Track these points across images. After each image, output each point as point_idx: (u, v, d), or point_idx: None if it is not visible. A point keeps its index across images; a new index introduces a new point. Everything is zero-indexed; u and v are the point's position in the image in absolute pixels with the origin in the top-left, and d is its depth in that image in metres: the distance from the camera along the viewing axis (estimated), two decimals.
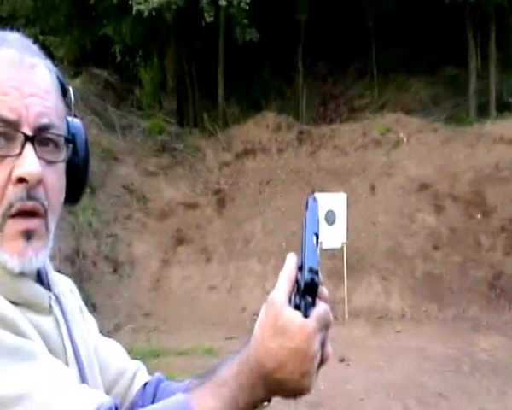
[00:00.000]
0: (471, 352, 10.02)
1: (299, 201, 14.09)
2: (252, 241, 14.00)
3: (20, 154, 1.10)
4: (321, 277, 1.12)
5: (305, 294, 1.10)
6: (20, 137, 1.10)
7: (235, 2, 14.72)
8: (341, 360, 9.66)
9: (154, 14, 14.89)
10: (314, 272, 1.10)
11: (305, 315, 1.08)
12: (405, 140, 15.09)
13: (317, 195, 12.62)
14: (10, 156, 1.10)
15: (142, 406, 1.37)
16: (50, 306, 1.22)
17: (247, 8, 14.79)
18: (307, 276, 1.10)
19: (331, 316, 1.13)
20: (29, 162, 1.09)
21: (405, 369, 9.35)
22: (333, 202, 12.38)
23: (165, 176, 15.55)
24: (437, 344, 10.34)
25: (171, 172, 15.67)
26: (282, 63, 17.81)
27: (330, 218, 12.20)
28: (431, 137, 14.99)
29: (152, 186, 14.99)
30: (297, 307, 1.09)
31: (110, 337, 1.52)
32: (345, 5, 17.47)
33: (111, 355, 1.44)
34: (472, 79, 16.41)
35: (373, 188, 14.36)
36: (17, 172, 1.09)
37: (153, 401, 1.39)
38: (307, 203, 1.28)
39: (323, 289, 1.13)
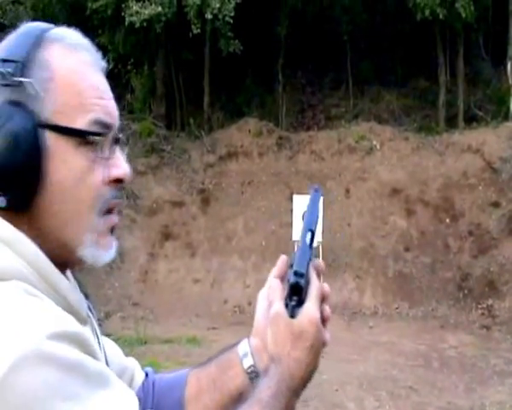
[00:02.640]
0: (440, 348, 9.93)
1: (278, 202, 14.04)
2: (234, 238, 14.02)
3: (110, 156, 1.06)
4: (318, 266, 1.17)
5: (291, 295, 1.12)
6: (109, 139, 1.06)
7: (220, 16, 14.85)
8: None
9: (145, 25, 14.98)
10: (299, 275, 1.12)
11: (291, 315, 1.10)
12: (378, 147, 15.02)
13: (295, 196, 12.52)
14: (106, 159, 1.05)
15: (145, 403, 1.28)
16: (88, 314, 1.13)
17: (231, 21, 14.85)
18: (292, 279, 1.12)
19: (326, 288, 1.16)
20: (124, 164, 1.08)
21: (378, 362, 9.28)
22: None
23: (153, 175, 15.55)
24: (407, 340, 10.25)
25: (159, 172, 15.64)
26: (263, 73, 17.80)
27: None
28: (402, 145, 14.95)
29: (141, 185, 14.91)
30: (287, 306, 1.12)
31: (101, 325, 1.36)
32: (322, 20, 17.57)
33: (112, 352, 1.30)
34: (441, 91, 16.37)
35: (347, 191, 14.31)
36: (115, 173, 1.06)
37: (153, 398, 1.29)
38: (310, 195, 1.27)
39: (324, 286, 1.15)
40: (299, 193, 13.01)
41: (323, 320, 1.14)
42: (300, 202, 12.36)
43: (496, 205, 13.26)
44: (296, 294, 1.12)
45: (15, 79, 0.98)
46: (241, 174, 15.29)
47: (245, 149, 15.81)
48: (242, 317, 11.97)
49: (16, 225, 0.96)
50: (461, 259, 12.72)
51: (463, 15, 14.82)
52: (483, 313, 11.67)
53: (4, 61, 0.99)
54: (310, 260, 1.16)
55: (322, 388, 8.10)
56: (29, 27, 1.07)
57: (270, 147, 15.78)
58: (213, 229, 14.25)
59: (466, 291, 12.22)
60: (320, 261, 1.20)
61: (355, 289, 12.63)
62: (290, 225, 12.48)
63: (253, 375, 1.17)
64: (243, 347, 1.21)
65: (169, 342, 10.06)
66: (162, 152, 16.21)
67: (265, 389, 1.05)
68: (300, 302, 1.12)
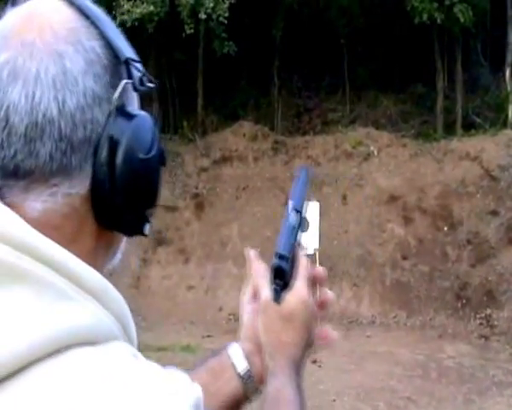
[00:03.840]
0: (438, 358, 9.99)
1: (273, 207, 14.07)
2: (228, 244, 14.00)
3: None
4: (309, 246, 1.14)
5: (275, 279, 1.15)
6: None
7: (213, 16, 14.75)
8: (313, 362, 9.58)
9: (136, 24, 14.80)
10: (282, 258, 1.14)
11: (276, 299, 1.14)
12: (376, 153, 15.09)
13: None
14: None
15: None
16: None
17: (226, 22, 14.82)
18: (274, 262, 1.15)
19: (321, 272, 1.23)
20: None
21: (375, 373, 9.31)
22: (306, 209, 12.28)
23: None
24: (405, 350, 10.31)
25: None
26: (258, 76, 17.80)
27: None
28: (400, 152, 15.01)
29: None
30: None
31: None
32: (318, 22, 17.54)
33: None
34: (439, 97, 16.46)
35: (344, 198, 14.35)
36: None
37: None
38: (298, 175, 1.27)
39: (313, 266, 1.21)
40: None
41: (323, 304, 1.22)
42: None
43: (494, 213, 13.36)
44: (279, 277, 1.15)
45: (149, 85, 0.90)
46: (235, 179, 15.29)
47: (240, 153, 15.81)
48: (237, 325, 11.95)
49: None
50: (459, 268, 12.78)
51: (462, 20, 14.95)
52: (481, 323, 11.76)
53: (135, 61, 0.88)
54: (295, 241, 1.18)
55: (319, 398, 8.12)
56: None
57: (265, 151, 15.80)
58: (207, 235, 14.22)
59: (464, 301, 12.29)
60: (321, 269, 1.25)
61: (352, 298, 12.67)
62: None
63: (248, 379, 1.19)
64: (235, 351, 1.21)
65: (162, 350, 10.00)
66: None
67: (282, 386, 1.13)
68: (285, 286, 1.15)
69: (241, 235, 14.07)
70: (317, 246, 12.05)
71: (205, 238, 14.22)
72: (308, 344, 1.19)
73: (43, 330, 0.70)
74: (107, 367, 0.72)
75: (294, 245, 1.18)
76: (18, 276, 0.72)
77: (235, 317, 12.54)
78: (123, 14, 14.74)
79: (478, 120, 16.38)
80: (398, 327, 11.83)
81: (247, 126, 16.51)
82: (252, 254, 1.24)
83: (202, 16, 14.73)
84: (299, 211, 1.22)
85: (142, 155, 0.84)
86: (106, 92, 0.82)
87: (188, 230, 14.49)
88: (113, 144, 0.81)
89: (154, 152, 0.86)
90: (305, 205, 1.24)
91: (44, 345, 0.70)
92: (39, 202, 0.78)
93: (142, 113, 0.87)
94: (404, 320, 12.13)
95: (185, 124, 17.30)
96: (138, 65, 0.87)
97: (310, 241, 12.00)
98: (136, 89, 0.86)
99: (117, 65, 0.85)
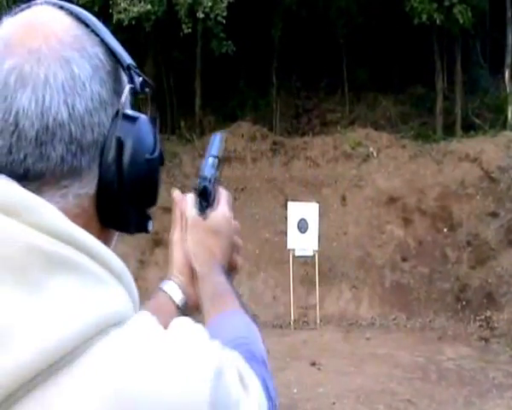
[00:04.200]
0: (438, 360, 9.97)
1: (272, 209, 14.06)
2: None
3: None
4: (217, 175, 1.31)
5: (200, 198, 1.28)
6: None
7: (212, 15, 14.69)
8: (313, 364, 9.60)
9: (133, 23, 14.79)
10: (205, 179, 1.28)
11: (202, 215, 1.28)
12: (375, 155, 15.09)
13: (289, 204, 12.59)
14: None
15: None
16: None
17: (224, 21, 14.78)
18: (199, 183, 1.28)
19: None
20: None
21: (375, 375, 9.28)
22: (305, 210, 12.35)
23: None
24: (405, 352, 10.28)
25: None
26: (257, 76, 17.78)
27: (303, 226, 12.16)
28: (399, 153, 15.01)
29: None
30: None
31: None
32: (317, 23, 17.54)
33: None
34: (438, 99, 16.49)
35: (344, 199, 14.34)
36: None
37: None
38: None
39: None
40: (293, 200, 13.08)
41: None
42: (295, 210, 12.46)
43: (494, 215, 13.38)
44: (204, 198, 1.28)
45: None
46: (233, 180, 15.18)
47: (238, 154, 15.77)
48: None
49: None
50: (459, 269, 12.79)
51: (461, 21, 14.97)
52: (481, 325, 11.76)
53: (131, 68, 0.92)
54: (215, 172, 1.31)
55: (318, 401, 8.13)
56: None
57: (263, 152, 15.79)
58: None
59: (464, 303, 12.30)
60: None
61: (351, 300, 12.66)
62: (285, 232, 12.53)
63: (185, 309, 1.28)
64: (169, 286, 1.30)
65: None
66: None
67: (219, 282, 1.25)
68: (210, 203, 1.29)
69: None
70: (316, 247, 12.08)
71: None
72: (233, 267, 1.32)
73: (91, 314, 0.75)
74: (151, 337, 0.80)
75: (215, 174, 1.31)
76: (63, 264, 0.76)
77: None
78: (120, 12, 14.73)
79: (477, 122, 16.41)
80: (398, 329, 11.81)
81: (245, 127, 16.49)
82: (176, 193, 1.34)
83: (200, 15, 14.68)
84: (216, 156, 1.34)
85: (147, 156, 0.89)
86: (110, 96, 0.86)
87: None
88: (120, 146, 0.85)
89: (157, 152, 0.91)
90: (219, 149, 1.37)
91: (94, 326, 0.75)
92: (53, 203, 0.80)
93: (142, 115, 0.91)
94: (404, 322, 12.13)
95: (183, 124, 17.29)
96: (138, 70, 0.91)
97: (309, 242, 12.04)
98: (135, 93, 0.90)
99: (118, 70, 0.89)
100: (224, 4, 14.69)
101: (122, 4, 14.72)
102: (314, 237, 12.13)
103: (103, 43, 0.87)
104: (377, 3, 16.84)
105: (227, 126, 16.56)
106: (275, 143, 16.06)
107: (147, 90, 0.93)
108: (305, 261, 12.24)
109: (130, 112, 0.89)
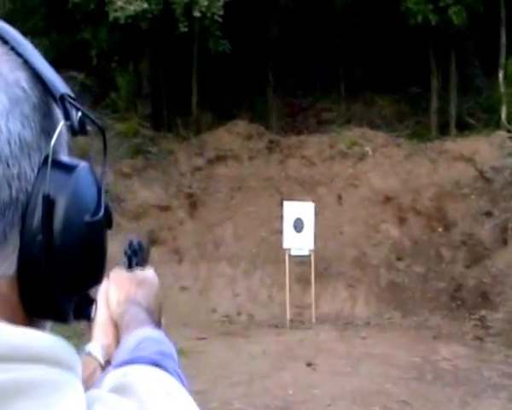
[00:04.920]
0: (433, 360, 9.92)
1: (268, 207, 14.00)
2: (222, 244, 13.91)
3: None
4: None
5: (131, 258, 1.39)
6: None
7: (208, 14, 14.63)
8: (308, 365, 9.53)
9: (130, 21, 14.72)
10: (135, 244, 1.40)
11: (129, 267, 1.38)
12: (371, 153, 15.04)
13: (285, 203, 12.53)
14: None
15: None
16: None
17: (220, 20, 14.75)
18: (132, 244, 1.40)
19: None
20: None
21: (371, 375, 9.22)
22: (301, 210, 12.31)
23: (138, 178, 15.30)
24: (401, 351, 10.22)
25: (145, 175, 15.41)
26: (253, 75, 17.74)
27: (298, 225, 12.11)
28: (395, 152, 14.99)
29: (126, 187, 14.73)
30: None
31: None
32: (314, 22, 17.50)
33: None
34: (433, 98, 16.47)
35: (339, 198, 14.30)
36: None
37: None
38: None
39: None
40: (289, 199, 13.03)
41: None
42: (291, 209, 12.41)
43: (488, 215, 13.36)
44: (136, 256, 1.37)
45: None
46: (230, 179, 15.19)
47: (234, 152, 15.72)
48: (231, 327, 11.90)
49: None
50: (454, 269, 12.77)
51: (456, 22, 14.94)
52: (476, 325, 11.71)
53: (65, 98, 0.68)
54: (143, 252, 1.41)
55: (314, 403, 8.06)
56: None
57: (260, 151, 15.73)
58: (201, 235, 14.08)
59: (459, 302, 12.27)
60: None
61: (347, 299, 12.61)
62: (281, 231, 12.47)
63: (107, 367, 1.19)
64: (93, 346, 1.27)
65: None
66: (148, 154, 16.01)
67: (136, 312, 1.24)
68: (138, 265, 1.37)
69: (235, 235, 13.99)
70: (312, 247, 12.02)
71: (198, 238, 14.07)
72: (159, 319, 1.31)
73: None
74: None
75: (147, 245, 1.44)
76: (14, 390, 0.56)
77: (229, 319, 12.53)
78: (116, 10, 14.66)
79: (472, 121, 16.39)
80: (393, 328, 11.75)
81: (241, 125, 16.45)
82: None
83: (197, 14, 14.62)
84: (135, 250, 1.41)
85: (87, 218, 0.67)
86: (36, 138, 0.64)
87: (181, 230, 14.34)
88: (50, 206, 0.63)
89: (101, 212, 0.69)
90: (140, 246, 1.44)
91: None
92: None
93: (81, 163, 0.68)
94: (400, 321, 12.08)
95: (179, 122, 17.20)
96: (76, 102, 0.67)
97: (305, 242, 11.99)
98: (74, 132, 0.66)
99: (49, 103, 0.67)
100: (221, 3, 14.65)
101: (118, 3, 14.67)
102: (310, 236, 12.08)
103: (28, 66, 0.65)
104: (373, 4, 16.80)
105: (223, 125, 16.53)
106: (271, 141, 16.02)
107: (87, 128, 0.67)
108: (300, 261, 12.18)
109: (64, 159, 0.67)
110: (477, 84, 17.48)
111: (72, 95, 0.68)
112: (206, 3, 14.51)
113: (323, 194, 14.20)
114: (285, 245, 12.14)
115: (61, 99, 0.66)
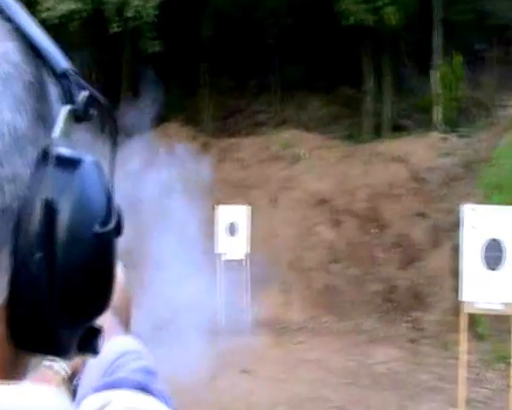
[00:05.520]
0: (369, 364, 9.87)
1: (201, 212, 13.72)
2: (153, 250, 13.58)
3: None
4: None
5: None
6: None
7: (142, 14, 14.41)
8: (244, 371, 9.34)
9: (57, 22, 14.39)
10: None
11: None
12: (306, 155, 14.95)
13: (219, 207, 12.27)
14: None
15: None
16: None
17: (155, 20, 14.78)
18: None
19: None
20: None
21: (307, 381, 9.16)
22: (235, 214, 12.14)
23: None
24: (337, 356, 10.18)
25: None
26: (187, 76, 17.54)
27: (233, 229, 11.93)
28: (329, 154, 14.98)
29: None
30: None
31: None
32: (247, 22, 17.41)
33: None
34: (366, 99, 16.52)
35: (274, 201, 14.14)
36: None
37: None
38: None
39: None
40: (223, 202, 12.79)
41: None
42: (225, 213, 12.16)
43: (422, 215, 13.41)
44: None
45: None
46: (161, 182, 14.89)
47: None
48: (163, 334, 11.61)
49: None
50: (388, 271, 12.77)
51: (393, 23, 14.96)
52: (412, 326, 11.71)
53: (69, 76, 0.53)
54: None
55: None
56: None
57: (192, 154, 15.48)
58: (131, 240, 13.75)
59: (394, 304, 12.27)
60: None
61: (282, 304, 12.49)
62: (213, 236, 12.24)
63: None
64: (55, 359, 1.14)
65: None
66: None
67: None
68: None
69: (167, 240, 13.70)
70: (246, 251, 11.80)
71: (129, 244, 13.67)
72: (126, 320, 1.17)
73: None
74: None
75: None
76: None
77: (161, 326, 12.17)
78: (45, 10, 14.35)
79: (405, 123, 16.51)
80: (330, 332, 11.66)
81: (173, 128, 16.14)
82: None
83: (129, 15, 14.38)
84: None
85: (97, 228, 0.51)
86: (33, 127, 0.49)
87: None
88: (50, 214, 0.47)
89: (113, 220, 0.52)
90: None
91: None
92: None
93: (88, 157, 0.51)
94: (335, 325, 12.00)
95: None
96: (81, 80, 0.52)
97: (239, 246, 11.76)
98: (77, 117, 0.50)
99: (42, 81, 0.51)
100: (153, 3, 14.42)
101: (45, 4, 14.39)
102: (244, 240, 11.89)
103: (21, 34, 0.50)
104: (307, 5, 16.77)
105: (155, 127, 16.18)
106: (205, 144, 15.75)
107: (93, 112, 0.51)
108: (235, 265, 11.97)
109: (67, 152, 0.50)
110: (411, 85, 17.61)
111: (76, 70, 0.52)
112: (140, 3, 14.28)
113: (258, 196, 14.03)
114: (217, 250, 11.93)
115: (64, 76, 0.51)
